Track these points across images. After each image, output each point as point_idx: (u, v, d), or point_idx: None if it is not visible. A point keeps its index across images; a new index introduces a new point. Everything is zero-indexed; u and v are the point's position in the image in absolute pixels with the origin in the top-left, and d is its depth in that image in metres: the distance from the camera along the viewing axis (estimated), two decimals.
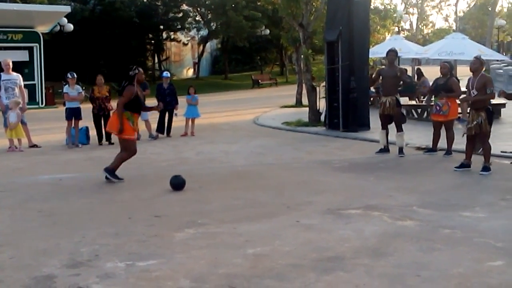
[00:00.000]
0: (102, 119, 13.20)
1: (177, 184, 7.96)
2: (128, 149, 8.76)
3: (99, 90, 13.16)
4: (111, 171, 8.58)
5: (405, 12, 57.16)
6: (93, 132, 13.45)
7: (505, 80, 23.69)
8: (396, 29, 41.88)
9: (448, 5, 67.78)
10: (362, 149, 11.39)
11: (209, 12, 45.18)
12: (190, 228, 6.06)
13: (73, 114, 12.82)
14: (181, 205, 7.14)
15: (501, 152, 9.66)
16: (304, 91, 17.52)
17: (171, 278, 4.61)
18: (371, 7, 26.84)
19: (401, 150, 10.35)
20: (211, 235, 5.80)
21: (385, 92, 10.47)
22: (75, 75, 13.06)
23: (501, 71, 24.94)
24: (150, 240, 5.63)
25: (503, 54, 45.05)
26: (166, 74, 14.94)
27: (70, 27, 30.48)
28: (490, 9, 46.42)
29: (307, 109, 16.44)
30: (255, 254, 5.14)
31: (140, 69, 9.05)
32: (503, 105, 15.35)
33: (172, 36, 46.72)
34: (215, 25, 45.37)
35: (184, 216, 6.55)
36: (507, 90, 23.07)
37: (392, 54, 10.62)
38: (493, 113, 8.93)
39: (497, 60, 27.46)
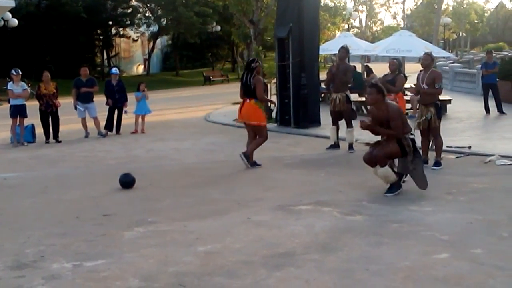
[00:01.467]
0: (50, 116, 12.90)
1: (127, 182, 7.84)
2: (265, 135, 9.49)
3: (46, 87, 12.85)
4: (247, 158, 9.17)
5: (354, 9, 57.94)
6: (39, 130, 13.11)
7: (451, 77, 24.32)
8: (346, 26, 42.46)
9: (396, 3, 69.33)
10: (313, 145, 11.48)
11: (159, 8, 44.74)
12: (140, 226, 5.97)
13: (18, 112, 12.48)
14: (131, 204, 7.04)
15: (447, 147, 9.89)
16: None
17: (120, 277, 4.53)
18: (321, 4, 27.19)
19: (351, 146, 10.47)
20: (161, 233, 5.73)
21: (335, 89, 10.56)
22: (20, 72, 12.71)
23: (447, 68, 25.59)
24: (98, 240, 5.52)
25: (449, 52, 46.31)
26: (114, 70, 14.70)
27: (15, 22, 29.64)
28: (436, 7, 47.55)
29: None
30: (205, 252, 5.11)
31: (260, 62, 9.68)
32: (449, 101, 15.77)
33: (122, 32, 46.07)
34: (165, 21, 44.99)
35: (134, 215, 6.46)
36: (452, 86, 23.66)
37: (343, 51, 10.72)
38: (441, 108, 9.13)
39: (443, 57, 28.15)
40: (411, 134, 7.14)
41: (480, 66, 18.37)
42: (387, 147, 7.09)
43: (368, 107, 8.65)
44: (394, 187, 7.16)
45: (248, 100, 9.20)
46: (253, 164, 9.22)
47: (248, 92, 9.19)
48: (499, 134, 11.81)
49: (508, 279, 4.31)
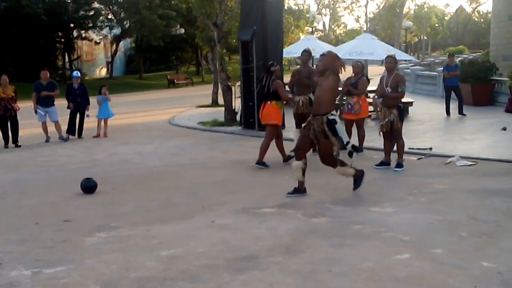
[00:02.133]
0: (9, 120, 12.63)
1: (88, 186, 7.72)
2: (274, 134, 9.77)
3: (4, 90, 12.56)
4: (260, 162, 9.45)
5: (318, 12, 58.49)
6: None
7: (412, 80, 24.70)
8: (310, 29, 42.74)
9: (359, 6, 70.00)
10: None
11: (121, 10, 44.29)
12: (102, 232, 5.88)
13: None
14: (93, 209, 6.93)
15: (409, 148, 10.03)
16: (220, 91, 17.51)
17: (80, 284, 4.45)
18: (285, 7, 27.29)
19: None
20: (124, 238, 5.66)
21: (299, 92, 10.61)
22: None
23: (409, 70, 25.98)
24: (58, 246, 5.41)
25: (410, 55, 47.02)
26: (76, 73, 14.46)
27: None
28: (398, 10, 48.25)
29: (223, 108, 16.44)
30: (168, 256, 5.06)
31: (278, 66, 10.01)
32: (411, 103, 16.00)
33: (84, 35, 45.36)
34: (128, 23, 44.55)
35: (95, 220, 6.36)
36: (414, 89, 24.04)
37: (305, 54, 10.77)
38: (404, 110, 9.25)
39: (405, 60, 28.59)
40: (331, 115, 7.20)
41: (442, 68, 18.68)
42: (322, 150, 7.40)
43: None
44: (358, 180, 7.42)
45: (268, 102, 9.58)
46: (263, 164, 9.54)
47: (268, 95, 9.62)
48: (459, 135, 12.04)
49: (467, 278, 4.39)
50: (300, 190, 7.37)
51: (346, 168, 7.37)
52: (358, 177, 7.43)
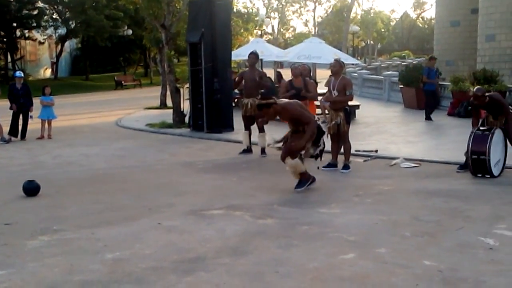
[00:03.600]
0: None
1: (31, 189, 7.52)
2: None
3: None
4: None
5: (266, 16, 58.76)
6: None
7: (359, 83, 25.15)
8: (259, 32, 42.97)
9: (308, 10, 70.54)
10: (226, 150, 11.50)
11: (67, 10, 43.29)
12: (44, 235, 5.74)
13: None
14: (35, 212, 6.76)
15: (355, 151, 10.20)
16: (169, 93, 17.37)
17: None
18: (234, 10, 27.36)
19: (263, 151, 10.58)
20: (67, 241, 5.54)
21: (247, 94, 10.65)
22: None
23: (356, 74, 26.45)
24: None
25: (357, 59, 47.90)
26: (19, 73, 14.06)
27: None
28: (345, 15, 49.03)
29: (171, 110, 16.30)
30: (114, 259, 4.98)
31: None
32: (357, 106, 16.27)
33: (27, 35, 44.12)
34: (74, 23, 43.58)
35: (38, 223, 6.20)
36: (361, 92, 24.47)
37: (253, 56, 10.82)
38: (350, 113, 9.39)
39: (352, 64, 29.11)
40: (317, 119, 7.62)
41: (397, 72, 18.45)
42: (301, 140, 7.37)
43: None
44: (303, 181, 7.54)
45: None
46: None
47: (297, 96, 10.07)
48: (404, 138, 12.33)
49: (409, 276, 4.49)
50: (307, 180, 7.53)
51: (299, 164, 7.48)
52: (305, 180, 7.52)
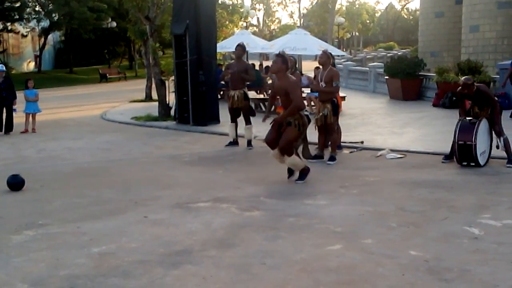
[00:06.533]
0: None
1: (15, 183, 7.45)
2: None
3: None
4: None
5: (252, 8, 58.66)
6: None
7: (345, 75, 25.19)
8: (244, 24, 42.81)
9: (293, 2, 70.72)
10: (212, 143, 11.47)
11: (50, 2, 42.81)
12: (29, 229, 5.70)
13: None
14: (20, 206, 6.70)
15: (341, 142, 10.22)
16: (154, 86, 17.28)
17: (6, 283, 4.29)
18: (219, 2, 27.21)
19: (249, 143, 10.57)
20: (53, 235, 5.50)
21: (233, 86, 10.60)
22: None
23: (341, 66, 26.48)
24: None
25: (343, 50, 47.99)
26: (1, 67, 13.81)
27: None
28: (330, 7, 49.14)
29: (157, 103, 16.23)
30: (100, 253, 4.95)
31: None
32: (343, 98, 16.28)
33: (10, 27, 43.60)
34: (57, 16, 43.10)
35: (23, 217, 6.15)
36: (347, 84, 24.54)
37: (240, 49, 10.76)
38: (338, 105, 9.41)
39: (338, 56, 29.12)
40: (306, 111, 7.64)
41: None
42: (287, 135, 7.42)
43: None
44: (304, 174, 7.62)
45: None
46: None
47: None
48: (389, 129, 12.38)
49: (395, 266, 4.51)
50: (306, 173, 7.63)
51: (298, 160, 7.63)
52: (305, 172, 7.63)
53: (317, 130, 9.24)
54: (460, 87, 8.47)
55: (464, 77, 8.57)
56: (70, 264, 4.67)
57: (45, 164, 9.66)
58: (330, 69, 9.09)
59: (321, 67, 9.33)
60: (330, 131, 9.11)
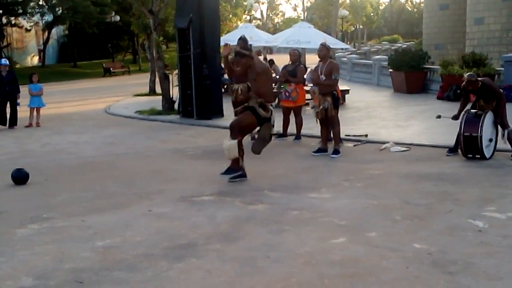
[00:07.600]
0: None
1: (19, 177, 7.47)
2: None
3: None
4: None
5: (255, 1, 58.49)
6: None
7: (349, 68, 25.13)
8: (248, 17, 42.76)
9: None
10: (216, 137, 11.44)
11: None
12: (34, 223, 5.71)
13: None
14: (24, 200, 6.72)
15: (345, 135, 10.21)
16: (158, 79, 17.27)
17: (11, 277, 4.31)
18: None
19: (253, 137, 10.54)
20: (58, 229, 5.51)
21: (237, 80, 10.58)
22: None
23: (345, 59, 26.40)
24: None
25: (347, 43, 47.82)
26: (4, 61, 13.88)
27: None
28: (334, 0, 48.96)
29: (160, 97, 16.23)
30: (104, 247, 4.97)
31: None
32: (347, 91, 16.27)
33: (13, 22, 43.63)
34: (60, 10, 43.10)
35: (28, 211, 6.16)
36: (350, 77, 24.47)
37: (241, 42, 10.72)
38: (339, 98, 9.39)
39: (342, 49, 29.01)
40: (271, 105, 7.61)
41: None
42: (243, 119, 7.44)
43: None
44: (232, 171, 7.41)
45: None
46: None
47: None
48: (394, 122, 12.35)
49: (400, 259, 4.51)
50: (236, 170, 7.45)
51: (235, 148, 7.29)
52: (235, 169, 7.40)
53: (319, 123, 9.22)
54: (464, 83, 8.43)
55: (467, 74, 8.51)
56: (75, 258, 4.69)
57: (49, 158, 9.67)
58: (330, 62, 9.07)
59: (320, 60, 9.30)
60: (332, 124, 9.09)
